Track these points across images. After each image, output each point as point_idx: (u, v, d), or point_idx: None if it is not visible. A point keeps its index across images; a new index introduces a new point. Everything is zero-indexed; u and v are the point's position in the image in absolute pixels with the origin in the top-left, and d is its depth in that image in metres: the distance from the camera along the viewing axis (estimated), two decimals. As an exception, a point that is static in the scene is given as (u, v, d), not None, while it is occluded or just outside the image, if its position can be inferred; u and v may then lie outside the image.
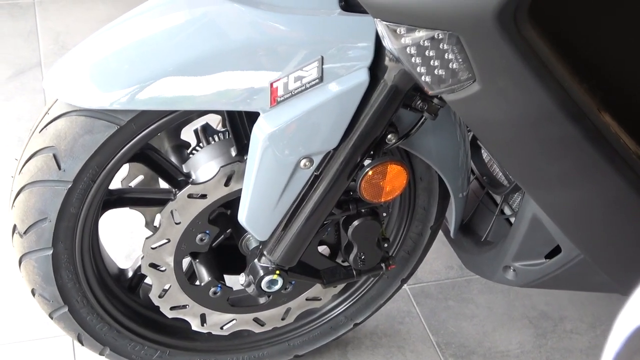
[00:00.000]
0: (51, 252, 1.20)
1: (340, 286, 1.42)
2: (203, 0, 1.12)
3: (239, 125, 1.25)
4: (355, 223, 1.26)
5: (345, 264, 1.34)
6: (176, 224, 1.23)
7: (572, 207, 1.15)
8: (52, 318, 1.30)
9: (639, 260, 1.21)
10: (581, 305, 1.69)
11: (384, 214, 1.34)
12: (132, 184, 1.33)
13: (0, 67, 2.19)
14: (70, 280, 1.26)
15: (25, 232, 1.19)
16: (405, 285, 1.55)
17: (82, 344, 1.35)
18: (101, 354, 1.37)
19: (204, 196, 1.21)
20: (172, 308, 1.33)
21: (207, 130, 1.30)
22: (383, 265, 1.32)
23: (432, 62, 0.98)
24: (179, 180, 1.27)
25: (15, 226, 1.20)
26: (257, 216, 1.19)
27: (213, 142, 1.28)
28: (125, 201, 1.30)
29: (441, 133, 1.23)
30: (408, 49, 0.97)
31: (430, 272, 1.73)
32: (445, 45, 0.95)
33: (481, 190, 1.42)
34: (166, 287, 1.30)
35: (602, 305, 1.69)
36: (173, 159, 1.30)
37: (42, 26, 2.35)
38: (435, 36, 0.94)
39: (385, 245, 1.32)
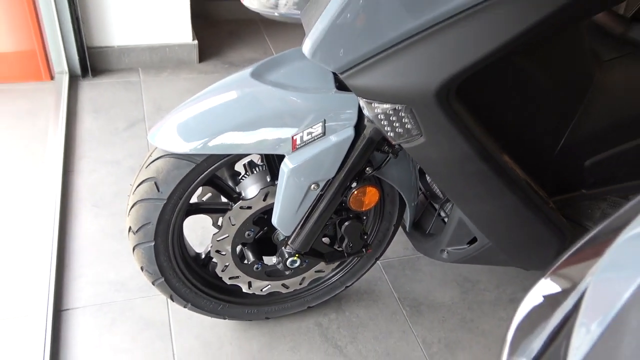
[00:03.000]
0: (153, 244, 1.20)
1: (337, 263, 1.41)
2: (247, 83, 1.10)
3: (272, 162, 1.25)
4: (346, 223, 1.25)
5: (340, 249, 1.32)
6: (232, 225, 1.22)
7: (483, 213, 1.14)
8: (154, 284, 1.29)
9: (524, 247, 1.21)
10: (490, 273, 1.68)
11: (364, 217, 1.33)
12: (204, 198, 1.32)
13: (119, 121, 2.16)
14: (165, 261, 1.25)
15: (136, 231, 1.19)
16: (378, 261, 1.54)
17: (173, 301, 1.35)
18: (185, 307, 1.36)
19: (249, 207, 1.20)
20: (230, 278, 1.32)
21: (251, 164, 1.28)
22: (364, 250, 1.31)
23: (394, 124, 0.97)
24: (234, 197, 1.26)
25: (130, 227, 1.19)
26: (283, 220, 1.18)
27: (255, 172, 1.26)
28: (200, 210, 1.29)
29: (401, 166, 1.22)
30: (379, 115, 0.96)
31: (394, 252, 1.71)
32: (402, 113, 0.94)
33: (426, 200, 1.40)
34: (226, 264, 1.29)
35: (504, 273, 1.68)
36: (230, 183, 1.29)
37: (145, 95, 2.32)
38: (396, 108, 0.94)
39: (365, 237, 1.30)
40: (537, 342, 0.48)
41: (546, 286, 0.51)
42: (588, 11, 0.97)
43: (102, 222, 1.74)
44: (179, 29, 2.46)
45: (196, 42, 2.50)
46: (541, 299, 0.51)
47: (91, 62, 2.39)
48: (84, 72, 2.39)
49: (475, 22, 0.84)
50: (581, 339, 0.41)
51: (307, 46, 0.90)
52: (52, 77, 2.35)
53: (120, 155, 2.00)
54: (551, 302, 0.50)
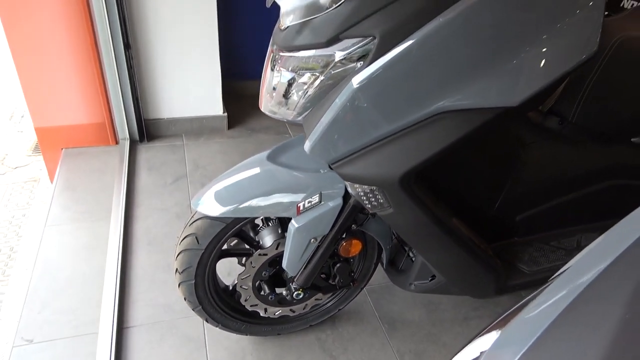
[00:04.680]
0: (193, 282, 1.23)
1: (331, 293, 1.42)
2: (264, 164, 1.14)
3: (283, 219, 1.27)
4: (338, 265, 1.29)
5: (333, 283, 1.34)
6: (253, 267, 1.26)
7: (438, 260, 1.17)
8: (193, 310, 1.31)
9: (470, 283, 1.24)
10: (449, 297, 1.68)
11: (352, 260, 1.36)
12: (232, 244, 1.33)
13: (167, 176, 2.21)
14: (202, 293, 1.28)
15: (181, 272, 1.22)
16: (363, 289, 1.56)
17: (208, 322, 1.37)
18: (216, 326, 1.37)
19: (266, 254, 1.24)
20: (251, 305, 1.34)
21: (267, 218, 1.30)
22: (351, 283, 1.35)
23: (370, 199, 1.00)
24: (254, 244, 1.29)
25: (177, 269, 1.23)
26: (290, 264, 1.21)
27: (270, 225, 1.29)
28: (229, 255, 1.31)
29: (378, 221, 1.24)
30: (359, 192, 1.00)
31: (375, 280, 1.71)
32: (376, 192, 0.98)
33: (398, 244, 1.41)
34: (248, 295, 1.32)
35: (459, 297, 1.68)
36: (251, 234, 1.32)
37: (187, 155, 2.36)
38: (372, 188, 0.97)
39: (352, 274, 1.33)
40: None
41: (469, 351, 0.52)
42: (511, 119, 1.04)
43: (154, 257, 1.79)
44: (212, 104, 2.53)
45: (226, 114, 2.57)
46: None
47: (147, 130, 2.46)
48: (141, 138, 2.46)
49: (427, 130, 0.89)
50: None
51: (307, 146, 0.96)
52: (117, 142, 2.42)
53: (169, 204, 2.05)
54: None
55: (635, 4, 2.92)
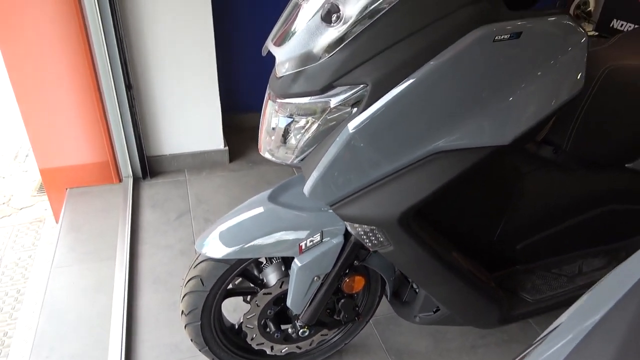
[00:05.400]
0: (199, 323, 1.23)
1: (336, 328, 1.42)
2: (265, 204, 1.15)
3: (287, 258, 1.27)
4: (342, 301, 1.29)
5: (338, 318, 1.34)
6: (257, 306, 1.26)
7: (441, 293, 1.17)
8: (200, 351, 1.31)
9: (474, 315, 1.24)
10: (455, 327, 1.66)
11: (355, 295, 1.35)
12: (236, 283, 1.33)
13: (171, 212, 2.22)
14: (209, 334, 1.28)
15: (187, 314, 1.22)
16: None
17: None
18: None
19: (270, 293, 1.24)
20: (257, 344, 1.34)
21: (271, 258, 1.30)
22: (356, 318, 1.35)
23: (370, 238, 1.01)
24: (259, 283, 1.29)
25: (182, 310, 1.23)
26: (295, 302, 1.21)
27: (274, 263, 1.29)
28: (234, 294, 1.31)
29: (380, 256, 1.24)
30: (359, 232, 1.01)
31: (381, 311, 1.69)
32: (376, 231, 0.99)
33: (401, 275, 1.39)
34: (254, 334, 1.31)
35: (466, 327, 1.68)
36: (255, 272, 1.32)
37: (190, 191, 2.38)
38: (372, 228, 0.98)
39: (357, 308, 1.33)
40: None
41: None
42: (504, 154, 1.06)
43: (159, 296, 1.79)
44: (213, 139, 2.56)
45: (227, 148, 2.60)
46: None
47: (150, 167, 2.49)
48: (144, 175, 2.48)
49: (423, 170, 0.92)
50: None
51: (306, 189, 0.98)
52: (120, 180, 2.44)
53: (173, 241, 2.06)
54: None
55: (624, 24, 2.97)
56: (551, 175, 1.30)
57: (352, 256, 1.18)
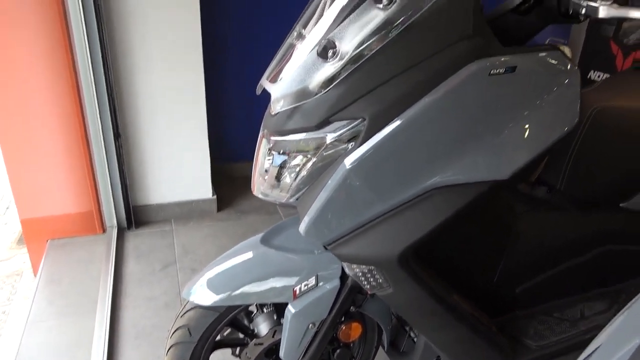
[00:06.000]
0: None
1: None
2: (257, 247, 1.11)
3: (279, 305, 1.22)
4: (338, 351, 1.24)
5: None
6: (248, 358, 1.20)
7: (441, 339, 1.12)
8: None
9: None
10: None
11: (352, 344, 1.30)
12: (225, 334, 1.26)
13: (156, 263, 2.15)
14: None
15: None
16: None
17: None
18: None
19: (261, 344, 1.18)
20: None
21: (262, 306, 1.25)
22: None
23: (369, 279, 0.98)
24: (249, 333, 1.23)
25: None
26: (288, 353, 1.15)
27: (266, 311, 1.24)
28: (223, 345, 1.25)
29: (376, 301, 1.21)
30: (357, 273, 0.98)
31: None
32: (374, 272, 0.96)
33: (398, 323, 1.35)
34: None
35: None
36: (245, 321, 1.26)
37: (176, 240, 2.33)
38: (370, 268, 0.95)
39: (353, 359, 1.29)
40: None
41: None
42: (500, 190, 1.05)
43: (142, 350, 1.70)
44: (202, 188, 2.53)
45: (215, 196, 2.57)
46: None
47: (135, 217, 2.43)
48: (129, 225, 2.42)
49: (422, 206, 0.89)
50: None
51: (302, 228, 0.94)
52: (104, 230, 2.38)
53: (157, 292, 1.98)
54: None
55: (601, 75, 3.09)
56: (546, 216, 1.29)
57: (349, 301, 1.13)
